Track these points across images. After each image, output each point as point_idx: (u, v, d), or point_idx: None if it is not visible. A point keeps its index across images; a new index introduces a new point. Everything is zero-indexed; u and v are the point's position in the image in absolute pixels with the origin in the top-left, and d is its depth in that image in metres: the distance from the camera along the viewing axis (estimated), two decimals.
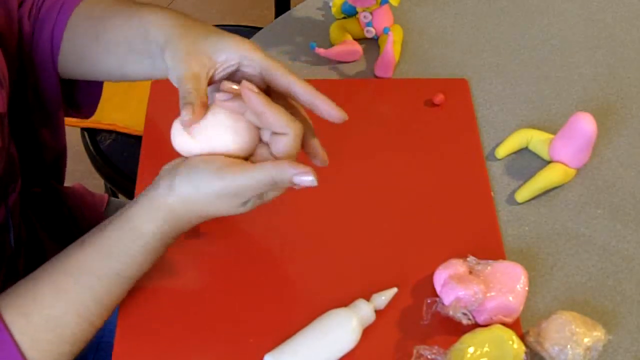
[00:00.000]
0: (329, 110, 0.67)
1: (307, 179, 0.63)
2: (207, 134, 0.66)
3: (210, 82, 0.68)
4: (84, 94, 0.87)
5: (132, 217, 0.65)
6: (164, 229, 0.66)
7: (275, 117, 0.64)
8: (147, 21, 0.72)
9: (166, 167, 0.68)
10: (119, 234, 0.65)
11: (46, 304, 0.64)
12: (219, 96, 0.65)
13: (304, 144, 0.68)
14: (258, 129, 0.67)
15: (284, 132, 0.65)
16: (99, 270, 0.65)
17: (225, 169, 0.63)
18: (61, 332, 0.65)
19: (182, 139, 0.67)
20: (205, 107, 0.65)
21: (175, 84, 0.67)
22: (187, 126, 0.64)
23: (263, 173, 0.63)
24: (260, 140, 0.68)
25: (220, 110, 0.67)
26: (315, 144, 0.70)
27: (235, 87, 0.66)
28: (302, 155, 0.69)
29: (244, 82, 0.63)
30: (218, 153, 0.66)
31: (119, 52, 0.75)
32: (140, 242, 0.65)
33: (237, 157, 0.66)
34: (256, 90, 0.63)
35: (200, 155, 0.66)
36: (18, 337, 0.63)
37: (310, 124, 0.70)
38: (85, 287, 0.65)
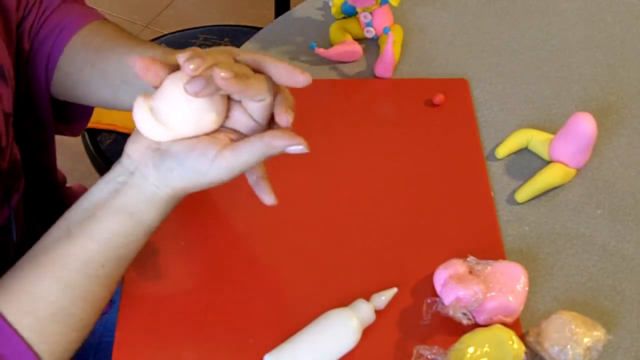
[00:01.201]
0: (292, 74, 0.64)
1: (298, 147, 0.63)
2: (184, 119, 0.63)
3: None
4: (76, 111, 0.88)
5: (129, 208, 0.65)
6: (165, 211, 0.66)
7: (255, 89, 0.62)
8: (149, 55, 0.72)
9: (138, 152, 0.65)
10: (121, 224, 0.65)
11: (53, 299, 0.64)
12: (188, 88, 0.61)
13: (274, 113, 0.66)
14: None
15: (262, 98, 0.64)
16: (102, 259, 0.65)
17: (219, 158, 0.63)
18: (69, 321, 0.65)
19: (153, 125, 0.63)
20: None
21: None
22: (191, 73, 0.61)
23: (254, 152, 0.63)
24: (229, 98, 0.65)
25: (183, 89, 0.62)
26: (287, 104, 0.67)
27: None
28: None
29: (215, 70, 0.60)
30: (198, 134, 0.64)
31: (114, 82, 0.76)
32: (145, 228, 0.66)
33: (214, 129, 0.65)
34: (229, 74, 0.60)
35: (181, 140, 0.64)
36: (27, 334, 0.63)
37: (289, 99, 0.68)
38: (91, 275, 0.65)
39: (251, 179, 0.71)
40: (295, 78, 0.64)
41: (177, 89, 0.63)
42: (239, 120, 0.66)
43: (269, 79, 0.64)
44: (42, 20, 0.81)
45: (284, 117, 0.64)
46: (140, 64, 0.63)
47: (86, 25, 0.81)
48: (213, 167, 0.63)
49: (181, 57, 0.61)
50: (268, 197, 0.70)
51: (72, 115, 0.88)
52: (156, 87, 0.65)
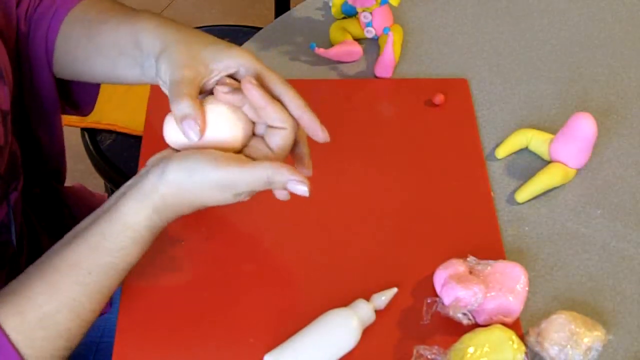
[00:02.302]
0: (314, 127, 0.68)
1: (301, 187, 0.65)
2: (211, 135, 0.66)
3: (202, 90, 0.68)
4: (81, 93, 0.88)
5: (121, 209, 0.65)
6: (153, 218, 0.66)
7: (275, 111, 0.65)
8: (138, 28, 0.73)
9: (153, 159, 0.68)
10: (109, 227, 0.65)
11: (40, 302, 0.64)
12: (220, 88, 0.66)
13: (293, 147, 0.70)
14: (252, 122, 0.68)
15: (282, 126, 0.66)
16: (90, 265, 0.65)
17: (222, 160, 0.64)
18: (55, 328, 0.65)
19: (176, 133, 0.67)
20: (204, 120, 0.66)
21: (164, 88, 0.68)
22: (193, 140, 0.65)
23: (260, 170, 0.64)
24: (254, 133, 0.69)
25: (215, 103, 0.67)
26: (304, 151, 0.72)
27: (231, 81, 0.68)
28: (289, 160, 0.70)
29: (247, 77, 0.65)
30: (213, 146, 0.66)
31: (110, 55, 0.76)
32: (130, 233, 0.65)
33: (232, 149, 0.67)
34: (257, 84, 0.64)
35: (195, 147, 0.67)
36: (13, 336, 0.63)
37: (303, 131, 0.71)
38: (77, 282, 0.65)
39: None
40: (316, 131, 0.68)
41: (209, 108, 0.67)
42: (257, 147, 0.68)
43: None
44: (37, 2, 0.81)
45: (321, 134, 0.68)
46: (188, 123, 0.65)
47: (81, 2, 0.81)
48: (213, 165, 0.63)
49: (221, 87, 0.66)
50: (307, 169, 0.72)
51: (79, 96, 0.88)
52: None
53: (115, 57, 0.76)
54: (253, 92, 0.64)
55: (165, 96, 0.68)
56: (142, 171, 0.68)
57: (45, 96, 0.83)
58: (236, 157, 0.65)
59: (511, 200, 0.86)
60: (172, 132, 0.67)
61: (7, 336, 0.63)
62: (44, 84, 0.82)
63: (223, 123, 0.66)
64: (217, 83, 0.68)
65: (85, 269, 0.65)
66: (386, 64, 0.97)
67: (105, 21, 0.77)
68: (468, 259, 0.76)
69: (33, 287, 0.65)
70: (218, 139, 0.66)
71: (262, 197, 0.85)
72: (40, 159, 0.89)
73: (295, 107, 0.67)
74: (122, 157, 1.26)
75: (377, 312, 0.74)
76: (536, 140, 0.89)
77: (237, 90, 0.66)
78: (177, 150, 0.68)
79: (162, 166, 0.65)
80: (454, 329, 0.72)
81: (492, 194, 0.86)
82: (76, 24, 0.79)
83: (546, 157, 0.89)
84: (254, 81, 0.64)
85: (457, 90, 0.97)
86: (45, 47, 0.80)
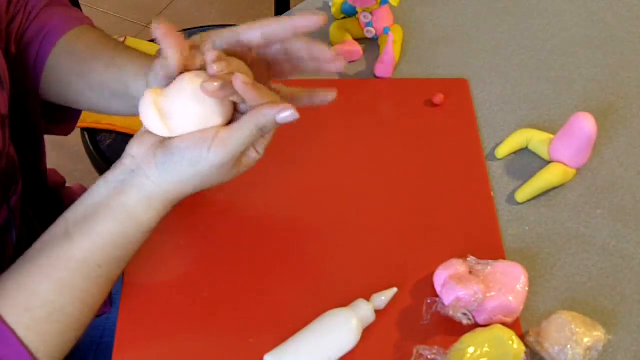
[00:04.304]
0: (324, 53, 0.70)
1: (287, 113, 0.63)
2: (191, 119, 0.64)
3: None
4: (64, 114, 0.87)
5: (127, 207, 0.65)
6: (162, 212, 0.67)
7: (268, 100, 0.64)
8: (126, 74, 0.73)
9: (139, 148, 0.66)
10: (119, 225, 0.65)
11: (50, 299, 0.64)
12: (207, 86, 0.62)
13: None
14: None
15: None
16: (100, 260, 0.65)
17: (216, 140, 0.63)
18: (66, 321, 0.65)
19: (158, 121, 0.64)
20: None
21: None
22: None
23: (247, 127, 0.63)
24: (236, 110, 0.67)
25: (197, 78, 0.64)
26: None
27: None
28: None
29: (237, 75, 0.62)
30: (200, 124, 0.65)
31: (103, 94, 0.76)
32: (142, 229, 0.66)
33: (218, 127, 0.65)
34: (250, 81, 0.63)
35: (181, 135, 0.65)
36: (22, 332, 0.63)
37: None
38: (89, 277, 0.65)
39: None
40: (324, 54, 0.71)
41: (190, 88, 0.64)
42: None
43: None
44: (27, 24, 0.80)
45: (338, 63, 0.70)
46: (162, 30, 0.64)
47: (69, 32, 0.80)
48: (212, 150, 0.63)
49: (210, 55, 0.63)
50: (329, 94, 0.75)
51: (62, 116, 0.88)
52: (166, 56, 0.65)
53: (109, 97, 0.76)
54: (247, 92, 0.63)
55: None
56: (127, 161, 0.66)
57: (30, 115, 0.83)
58: (223, 132, 0.64)
59: (511, 200, 0.86)
60: (155, 120, 0.64)
61: (17, 336, 0.62)
62: (28, 103, 0.82)
63: (208, 101, 0.64)
64: (206, 53, 0.66)
65: (94, 262, 0.65)
66: (386, 64, 0.97)
67: (93, 58, 0.77)
68: (468, 259, 0.76)
69: (42, 286, 0.64)
70: (202, 126, 0.64)
71: (262, 197, 0.85)
72: (42, 161, 0.90)
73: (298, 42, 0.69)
74: None
75: (377, 312, 0.74)
76: (536, 140, 0.90)
77: (228, 84, 0.63)
78: (159, 137, 0.65)
79: (161, 162, 0.64)
80: (454, 329, 0.72)
81: (492, 194, 0.86)
82: (65, 57, 0.79)
83: (546, 157, 0.89)
84: (244, 78, 0.62)
85: (457, 90, 0.97)
86: (33, 73, 0.79)
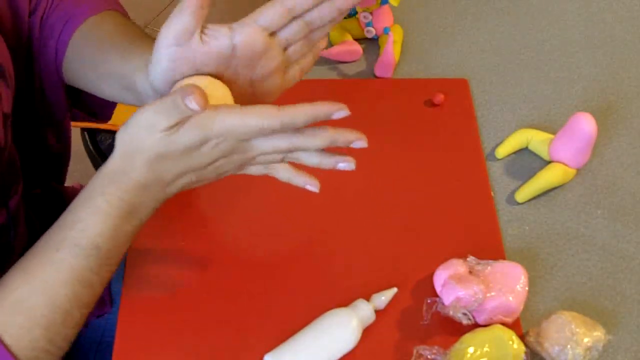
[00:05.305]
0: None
1: (341, 113, 0.67)
2: None
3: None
4: (96, 101, 0.87)
5: (136, 210, 0.65)
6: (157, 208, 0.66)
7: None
8: (132, 66, 0.71)
9: (130, 142, 0.67)
10: (124, 224, 0.64)
11: (13, 286, 0.63)
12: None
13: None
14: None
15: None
16: (58, 243, 0.65)
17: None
18: (30, 314, 0.63)
19: None
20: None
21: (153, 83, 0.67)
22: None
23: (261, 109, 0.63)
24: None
25: (198, 77, 0.66)
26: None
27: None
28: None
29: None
30: None
31: (115, 86, 0.75)
32: (138, 224, 0.65)
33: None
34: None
35: None
36: (9, 341, 0.62)
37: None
38: (48, 262, 0.64)
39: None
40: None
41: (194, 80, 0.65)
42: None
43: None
44: (52, 10, 0.80)
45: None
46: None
47: (91, 17, 0.79)
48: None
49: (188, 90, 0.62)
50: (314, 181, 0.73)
51: (95, 104, 0.87)
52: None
53: (121, 89, 0.74)
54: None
55: None
56: (123, 163, 0.69)
57: (55, 101, 0.83)
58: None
59: (511, 200, 0.86)
60: None
61: (4, 343, 0.62)
62: (52, 89, 0.81)
63: (216, 90, 0.65)
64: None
65: (52, 247, 0.64)
66: (386, 64, 0.97)
67: (109, 47, 0.75)
68: (468, 259, 0.76)
69: (9, 274, 0.64)
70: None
71: (262, 198, 0.85)
72: (44, 161, 0.89)
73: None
74: None
75: (377, 312, 0.74)
76: (536, 140, 0.90)
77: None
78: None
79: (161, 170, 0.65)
80: (454, 329, 0.72)
81: (492, 194, 0.86)
82: (82, 45, 0.78)
83: (546, 157, 0.89)
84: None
85: (457, 90, 0.97)
86: (55, 60, 0.79)
